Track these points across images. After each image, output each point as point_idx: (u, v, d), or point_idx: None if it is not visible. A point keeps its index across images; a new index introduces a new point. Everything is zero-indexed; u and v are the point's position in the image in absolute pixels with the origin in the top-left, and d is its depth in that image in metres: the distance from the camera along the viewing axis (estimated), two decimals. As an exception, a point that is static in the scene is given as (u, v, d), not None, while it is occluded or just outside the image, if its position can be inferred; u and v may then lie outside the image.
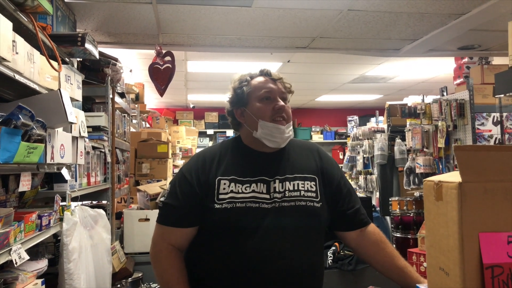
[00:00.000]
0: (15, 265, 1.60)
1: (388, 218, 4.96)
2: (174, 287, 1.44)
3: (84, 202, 2.88)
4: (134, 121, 5.45)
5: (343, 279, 2.54)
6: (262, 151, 1.57)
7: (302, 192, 1.51)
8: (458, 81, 4.59)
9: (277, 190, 1.49)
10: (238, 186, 1.47)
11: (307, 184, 1.53)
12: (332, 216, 1.58)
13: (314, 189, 1.54)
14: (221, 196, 1.46)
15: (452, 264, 1.07)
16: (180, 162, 7.13)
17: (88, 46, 2.16)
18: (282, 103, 1.54)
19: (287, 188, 1.50)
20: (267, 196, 1.48)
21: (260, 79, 1.59)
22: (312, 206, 1.50)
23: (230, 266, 1.43)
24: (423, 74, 6.41)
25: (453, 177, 1.12)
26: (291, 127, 1.57)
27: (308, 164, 1.59)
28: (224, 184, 1.48)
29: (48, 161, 1.82)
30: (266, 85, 1.56)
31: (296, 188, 1.51)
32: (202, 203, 1.47)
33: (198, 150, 9.04)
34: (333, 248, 2.67)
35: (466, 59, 4.57)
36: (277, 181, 1.51)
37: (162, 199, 1.55)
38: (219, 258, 1.46)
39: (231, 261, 1.43)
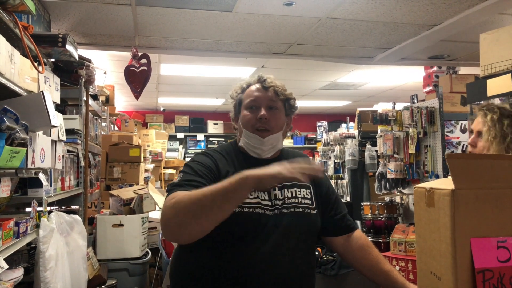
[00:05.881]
0: (-6, 275, 1.53)
1: (358, 222, 5.04)
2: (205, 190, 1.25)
3: (53, 208, 2.78)
4: (103, 124, 5.32)
5: (326, 284, 2.55)
6: (258, 158, 1.56)
7: (299, 199, 1.52)
8: (428, 89, 4.73)
9: (277, 197, 1.50)
10: None
11: (303, 191, 1.55)
12: (321, 222, 1.60)
13: (309, 196, 1.56)
14: None
15: (444, 269, 1.10)
16: (150, 166, 6.98)
17: (68, 47, 2.09)
18: (263, 112, 1.50)
19: (286, 195, 1.51)
20: (269, 203, 1.48)
21: (253, 87, 1.56)
22: (309, 213, 1.52)
23: (229, 271, 1.41)
24: (392, 81, 6.59)
25: (444, 184, 1.15)
26: (278, 138, 1.54)
27: None
28: None
29: (29, 165, 1.75)
30: (253, 93, 1.54)
31: (294, 195, 1.52)
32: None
33: (169, 154, 8.94)
34: (316, 253, 2.68)
35: (435, 68, 4.72)
36: (276, 188, 1.51)
37: (175, 181, 1.42)
38: (218, 262, 1.43)
39: (231, 266, 1.41)
